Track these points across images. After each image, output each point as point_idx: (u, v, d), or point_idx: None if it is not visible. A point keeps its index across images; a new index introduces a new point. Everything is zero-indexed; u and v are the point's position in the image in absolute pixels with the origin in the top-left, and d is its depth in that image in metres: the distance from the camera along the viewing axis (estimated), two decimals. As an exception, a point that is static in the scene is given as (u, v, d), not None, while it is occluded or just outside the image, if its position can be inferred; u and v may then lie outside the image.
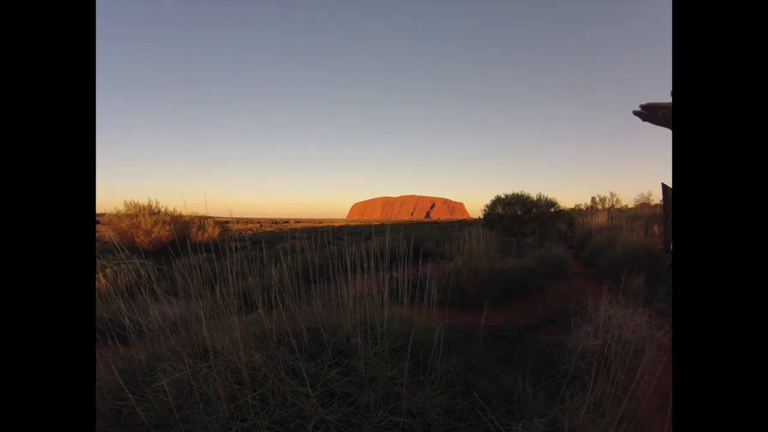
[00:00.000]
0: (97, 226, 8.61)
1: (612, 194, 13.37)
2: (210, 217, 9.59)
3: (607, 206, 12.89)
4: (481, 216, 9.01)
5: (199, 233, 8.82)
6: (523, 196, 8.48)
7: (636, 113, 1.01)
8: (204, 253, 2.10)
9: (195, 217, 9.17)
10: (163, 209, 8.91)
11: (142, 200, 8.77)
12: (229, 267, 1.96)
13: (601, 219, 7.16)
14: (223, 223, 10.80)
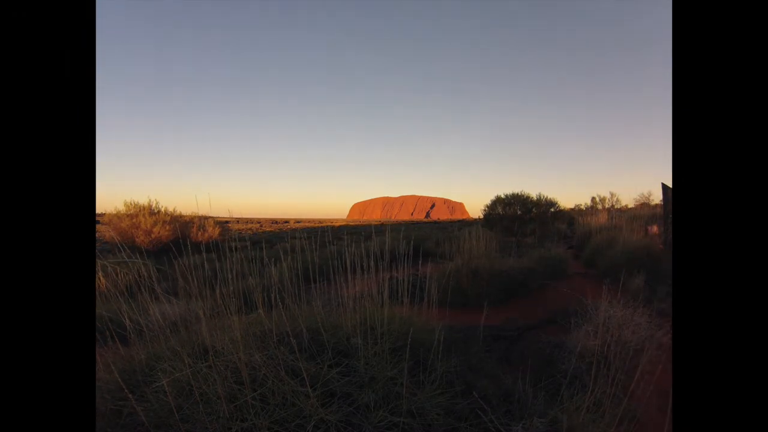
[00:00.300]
0: (97, 226, 8.61)
1: (612, 194, 13.37)
2: (210, 217, 9.60)
3: (607, 206, 12.89)
4: (481, 216, 9.01)
5: (199, 233, 8.82)
6: (523, 196, 8.48)
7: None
8: (204, 253, 2.10)
9: (195, 217, 9.18)
10: (163, 209, 8.91)
11: (142, 200, 8.78)
12: (229, 267, 1.96)
13: (601, 219, 7.16)
14: (223, 223, 10.80)
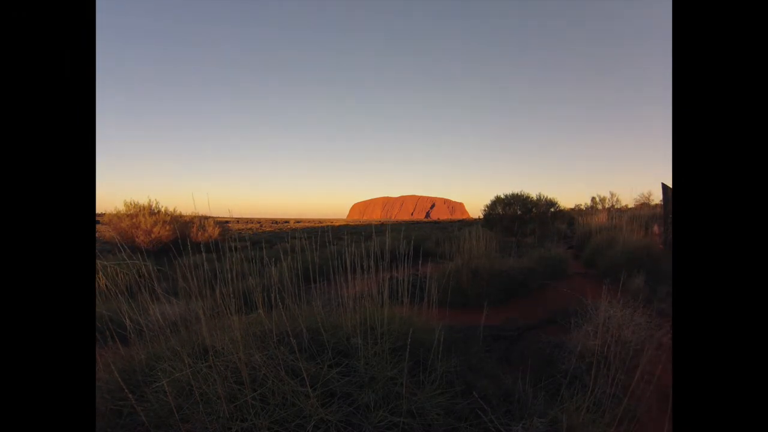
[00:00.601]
0: (97, 226, 8.61)
1: (612, 194, 13.37)
2: (210, 217, 9.60)
3: (607, 206, 12.89)
4: (481, 216, 9.01)
5: (199, 233, 8.82)
6: (523, 196, 8.48)
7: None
8: (204, 253, 2.10)
9: (195, 217, 9.18)
10: (163, 209, 8.91)
11: (142, 200, 8.78)
12: (229, 267, 1.96)
13: (601, 219, 7.16)
14: (223, 223, 10.80)
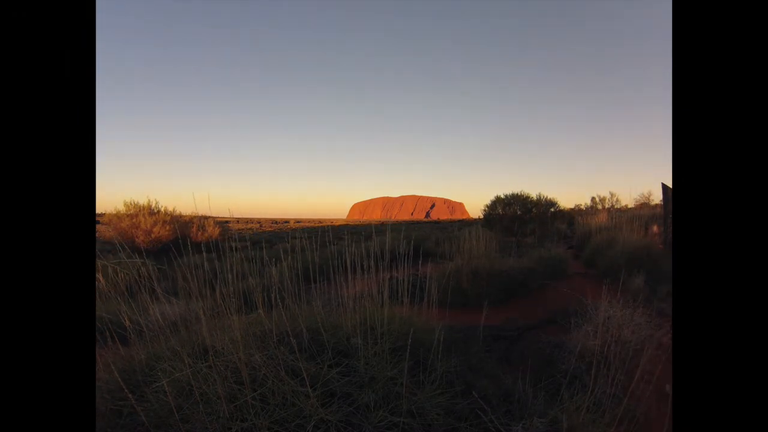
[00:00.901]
0: (97, 226, 8.61)
1: (612, 194, 13.35)
2: (210, 217, 9.60)
3: (607, 206, 12.87)
4: (481, 216, 9.01)
5: (199, 233, 8.82)
6: (523, 196, 8.48)
7: None
8: (204, 253, 2.10)
9: (195, 217, 9.18)
10: (163, 209, 8.91)
11: (142, 200, 8.78)
12: (229, 267, 1.96)
13: (601, 219, 7.16)
14: (223, 223, 10.80)
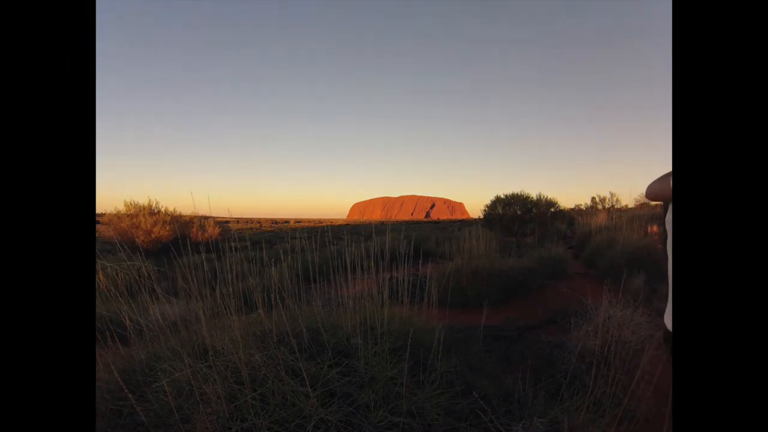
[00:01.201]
0: (97, 226, 8.62)
1: (612, 194, 13.34)
2: (210, 217, 9.61)
3: (607, 206, 12.87)
4: (481, 216, 9.01)
5: (199, 233, 8.82)
6: (523, 196, 8.48)
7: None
8: (204, 253, 2.10)
9: (195, 217, 9.19)
10: (163, 209, 8.91)
11: (142, 200, 8.78)
12: (229, 267, 1.96)
13: (601, 219, 7.16)
14: (223, 223, 10.81)
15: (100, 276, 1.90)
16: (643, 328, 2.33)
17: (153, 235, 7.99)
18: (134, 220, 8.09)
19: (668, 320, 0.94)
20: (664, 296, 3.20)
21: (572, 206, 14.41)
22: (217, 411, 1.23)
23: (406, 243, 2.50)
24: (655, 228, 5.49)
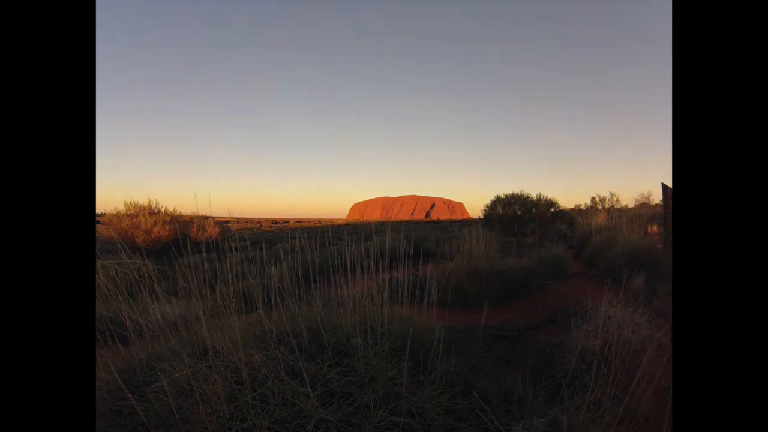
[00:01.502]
0: (97, 226, 8.62)
1: (612, 194, 13.35)
2: (210, 217, 9.61)
3: (607, 206, 12.87)
4: (481, 216, 9.01)
5: (199, 233, 8.82)
6: (523, 196, 8.48)
7: None
8: (204, 253, 2.10)
9: (195, 217, 9.19)
10: (163, 209, 8.91)
11: (142, 200, 8.78)
12: (229, 267, 1.96)
13: (601, 219, 7.16)
14: (223, 223, 10.80)
15: (100, 276, 1.90)
16: (643, 328, 2.33)
17: (153, 235, 7.99)
18: (134, 220, 8.09)
19: None
20: (665, 296, 3.20)
21: (572, 206, 14.41)
22: (217, 411, 1.23)
23: (406, 243, 2.50)
24: (655, 228, 5.48)
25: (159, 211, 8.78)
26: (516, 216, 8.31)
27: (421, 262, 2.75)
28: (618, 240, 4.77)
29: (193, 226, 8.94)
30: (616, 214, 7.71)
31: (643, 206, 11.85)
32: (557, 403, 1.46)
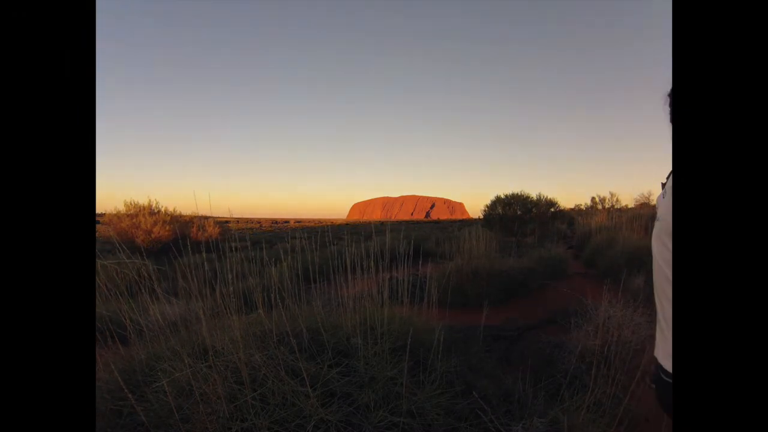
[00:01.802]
0: (97, 226, 8.62)
1: (612, 194, 13.35)
2: (210, 217, 9.61)
3: (607, 206, 12.87)
4: (481, 216, 9.01)
5: (199, 233, 8.83)
6: (523, 196, 8.49)
7: None
8: (204, 253, 2.10)
9: (195, 217, 9.19)
10: (163, 209, 8.91)
11: (142, 200, 8.78)
12: (229, 267, 1.96)
13: (601, 219, 7.16)
14: (223, 223, 10.80)
15: (100, 276, 1.90)
16: (643, 328, 2.33)
17: (153, 235, 7.99)
18: (134, 220, 8.09)
19: (665, 358, 0.76)
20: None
21: (572, 206, 14.42)
22: (217, 411, 1.23)
23: (406, 243, 2.50)
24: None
25: (159, 211, 8.78)
26: (516, 216, 8.31)
27: (420, 262, 2.75)
28: (618, 240, 4.77)
29: (193, 226, 8.94)
30: (616, 214, 7.71)
31: (643, 206, 11.84)
32: (557, 403, 1.46)
